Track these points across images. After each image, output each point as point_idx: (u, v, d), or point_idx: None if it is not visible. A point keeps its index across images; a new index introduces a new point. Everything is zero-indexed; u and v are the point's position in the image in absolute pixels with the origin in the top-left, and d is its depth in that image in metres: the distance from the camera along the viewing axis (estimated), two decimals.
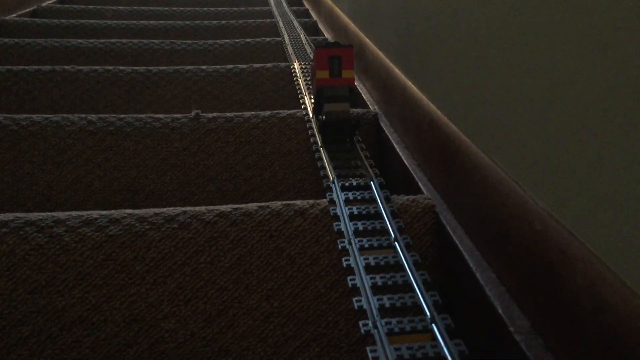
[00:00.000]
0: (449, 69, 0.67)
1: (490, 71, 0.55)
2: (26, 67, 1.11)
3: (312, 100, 0.83)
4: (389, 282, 0.49)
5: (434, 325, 0.43)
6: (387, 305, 0.46)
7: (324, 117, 0.74)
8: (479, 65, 0.57)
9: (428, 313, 0.44)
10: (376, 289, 0.48)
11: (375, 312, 0.44)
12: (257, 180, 0.87)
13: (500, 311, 0.47)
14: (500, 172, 0.52)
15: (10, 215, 0.58)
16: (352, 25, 1.28)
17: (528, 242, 0.46)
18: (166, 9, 1.89)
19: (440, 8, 0.70)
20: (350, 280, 0.49)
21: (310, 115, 0.86)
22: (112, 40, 1.37)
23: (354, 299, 0.47)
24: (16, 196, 0.82)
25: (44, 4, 1.88)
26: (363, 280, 0.49)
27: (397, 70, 0.89)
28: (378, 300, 0.46)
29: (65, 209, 0.82)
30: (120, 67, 1.13)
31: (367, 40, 1.11)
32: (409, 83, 0.82)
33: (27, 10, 1.81)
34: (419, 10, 0.79)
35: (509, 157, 0.51)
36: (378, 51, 1.03)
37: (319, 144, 0.77)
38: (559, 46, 0.42)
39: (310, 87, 0.96)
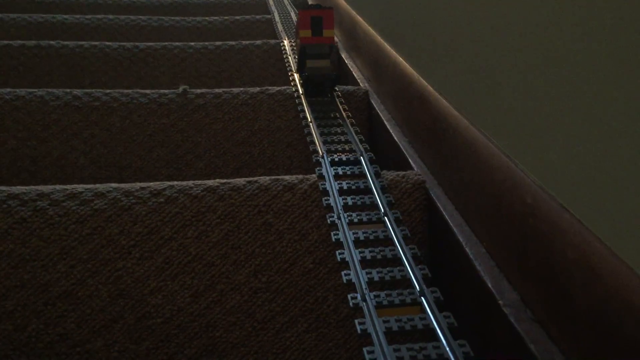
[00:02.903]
0: (439, 44, 0.66)
1: (481, 45, 0.54)
2: (11, 42, 1.08)
3: (296, 58, 0.91)
4: (378, 256, 0.49)
5: (423, 299, 0.43)
6: (376, 278, 0.45)
7: (306, 72, 0.80)
8: (470, 39, 0.57)
9: (417, 286, 0.44)
10: (365, 263, 0.48)
11: (364, 286, 0.44)
12: (246, 157, 0.86)
13: (489, 285, 0.47)
14: (492, 146, 0.52)
15: None
16: (343, 2, 1.26)
17: (519, 216, 0.45)
18: None
19: None
20: (339, 254, 0.49)
21: (296, 77, 0.88)
22: (99, 16, 1.35)
23: (342, 273, 0.46)
24: (0, 172, 0.80)
25: None
26: (352, 254, 0.48)
27: (388, 47, 0.88)
28: (367, 273, 0.46)
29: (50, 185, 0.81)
30: (107, 43, 1.11)
31: (359, 17, 1.10)
32: (400, 59, 0.81)
33: None
34: None
35: (500, 131, 0.51)
36: (369, 28, 1.01)
37: (306, 113, 0.77)
38: (549, 18, 0.41)
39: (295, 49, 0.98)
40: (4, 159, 0.81)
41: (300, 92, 0.86)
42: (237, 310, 0.57)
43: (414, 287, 0.44)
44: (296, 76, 0.90)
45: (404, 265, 0.47)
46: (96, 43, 1.11)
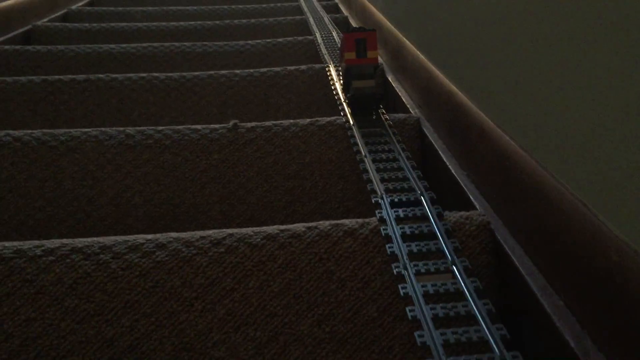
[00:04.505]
0: (502, 74, 0.64)
1: (551, 77, 0.52)
2: (61, 77, 1.10)
3: (341, 79, 0.95)
4: (451, 313, 0.47)
5: None
6: (452, 340, 0.43)
7: (352, 93, 0.84)
8: (538, 70, 0.54)
9: (497, 350, 0.42)
10: (438, 321, 0.46)
11: (440, 351, 0.42)
12: (298, 190, 0.85)
13: (572, 344, 0.44)
14: (565, 192, 0.49)
15: (56, 242, 0.57)
16: (387, 23, 1.24)
17: (603, 273, 0.43)
18: (195, 8, 1.88)
19: (492, 5, 0.66)
20: (410, 311, 0.47)
21: (345, 107, 0.90)
22: (144, 45, 1.36)
23: (416, 334, 0.44)
24: (57, 213, 0.81)
25: (74, 7, 1.89)
26: (424, 312, 0.46)
27: (440, 75, 0.86)
28: (442, 334, 0.44)
29: (106, 225, 0.82)
30: (154, 74, 1.12)
31: (405, 40, 1.08)
32: (455, 89, 0.79)
33: (58, 14, 1.81)
34: (466, 9, 0.76)
35: (575, 176, 0.48)
36: (417, 52, 0.99)
37: (359, 147, 0.77)
38: (622, 45, 0.39)
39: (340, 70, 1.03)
40: (60, 200, 0.82)
41: (352, 122, 0.85)
42: None
43: (493, 351, 0.42)
44: (343, 102, 0.91)
45: (479, 324, 0.45)
46: (144, 75, 1.12)
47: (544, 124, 0.53)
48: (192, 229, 0.83)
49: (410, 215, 0.60)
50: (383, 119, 0.85)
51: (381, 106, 0.89)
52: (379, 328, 0.57)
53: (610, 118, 0.43)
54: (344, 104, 0.91)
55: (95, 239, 0.58)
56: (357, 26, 1.49)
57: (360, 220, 0.61)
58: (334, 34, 1.41)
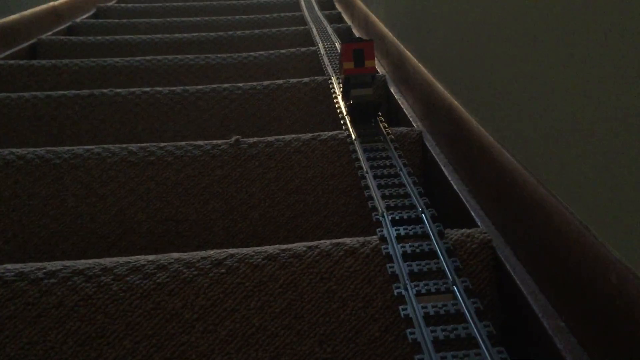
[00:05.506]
0: (501, 90, 0.64)
1: (551, 93, 0.52)
2: (65, 93, 1.11)
3: (341, 88, 0.97)
4: (451, 336, 0.46)
5: None
6: None
7: (351, 101, 0.86)
8: (538, 86, 0.54)
9: None
10: (438, 344, 0.46)
11: None
12: (301, 205, 0.85)
13: None
14: (566, 213, 0.49)
15: (57, 264, 0.58)
16: (390, 34, 1.25)
17: (603, 296, 0.43)
18: (199, 19, 1.89)
19: (492, 16, 0.66)
20: (410, 334, 0.47)
21: (345, 114, 0.93)
22: (148, 58, 1.37)
23: (416, 357, 0.44)
24: (61, 230, 0.81)
25: (78, 20, 1.90)
26: (424, 335, 0.46)
27: (440, 87, 0.86)
28: (442, 358, 0.44)
29: (109, 242, 0.82)
30: (158, 88, 1.12)
31: (407, 51, 1.08)
32: (455, 103, 0.79)
33: (63, 27, 1.82)
34: (465, 20, 0.76)
35: (576, 198, 0.48)
36: (418, 64, 0.99)
37: (361, 162, 0.77)
38: (626, 57, 0.39)
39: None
40: (64, 217, 0.82)
41: (354, 137, 0.85)
42: None
43: None
44: (345, 116, 0.92)
45: (480, 347, 0.45)
46: (147, 89, 1.12)
47: (544, 142, 0.53)
48: (194, 245, 0.83)
49: (411, 233, 0.60)
50: (385, 132, 0.85)
51: (382, 119, 0.89)
52: (380, 348, 0.57)
53: (612, 137, 0.42)
54: (346, 117, 0.91)
55: (96, 260, 0.58)
56: (356, 36, 1.50)
57: (361, 239, 0.61)
58: (337, 44, 1.41)
